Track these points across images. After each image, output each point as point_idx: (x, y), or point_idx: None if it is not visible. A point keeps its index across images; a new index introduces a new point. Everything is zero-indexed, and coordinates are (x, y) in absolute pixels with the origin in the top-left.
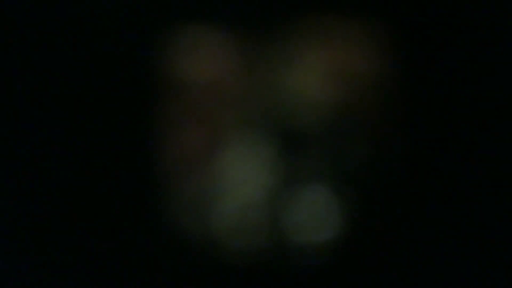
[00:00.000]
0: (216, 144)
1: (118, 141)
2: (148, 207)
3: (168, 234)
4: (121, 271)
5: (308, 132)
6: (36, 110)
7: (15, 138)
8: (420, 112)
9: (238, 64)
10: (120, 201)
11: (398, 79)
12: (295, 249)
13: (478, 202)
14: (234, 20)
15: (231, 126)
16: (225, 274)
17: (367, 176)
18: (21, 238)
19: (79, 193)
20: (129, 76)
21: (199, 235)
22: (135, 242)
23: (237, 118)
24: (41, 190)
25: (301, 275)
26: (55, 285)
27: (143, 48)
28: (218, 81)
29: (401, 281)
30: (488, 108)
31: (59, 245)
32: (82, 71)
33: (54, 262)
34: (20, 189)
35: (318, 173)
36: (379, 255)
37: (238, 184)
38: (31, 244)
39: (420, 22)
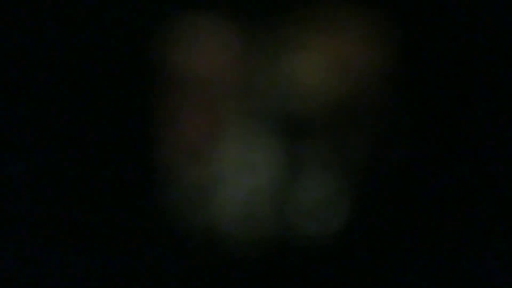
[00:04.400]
0: (219, 134)
1: (121, 133)
2: (151, 199)
3: (173, 224)
4: (124, 262)
5: (312, 122)
6: (44, 99)
7: (17, 129)
8: (423, 102)
9: (240, 54)
10: (123, 194)
11: (402, 69)
12: (299, 239)
13: (479, 190)
14: (236, 9)
15: (235, 117)
16: (228, 264)
17: (371, 166)
18: (20, 231)
19: (82, 183)
20: (132, 67)
21: (204, 225)
22: (139, 233)
23: (240, 108)
24: (52, 184)
25: (304, 265)
26: (61, 276)
27: (145, 39)
28: (220, 71)
29: (405, 269)
30: (490, 99)
31: (63, 236)
32: (83, 64)
33: (59, 252)
34: (21, 180)
35: (322, 163)
36: (383, 246)
37: (242, 175)
38: (31, 236)
39: (424, 12)
